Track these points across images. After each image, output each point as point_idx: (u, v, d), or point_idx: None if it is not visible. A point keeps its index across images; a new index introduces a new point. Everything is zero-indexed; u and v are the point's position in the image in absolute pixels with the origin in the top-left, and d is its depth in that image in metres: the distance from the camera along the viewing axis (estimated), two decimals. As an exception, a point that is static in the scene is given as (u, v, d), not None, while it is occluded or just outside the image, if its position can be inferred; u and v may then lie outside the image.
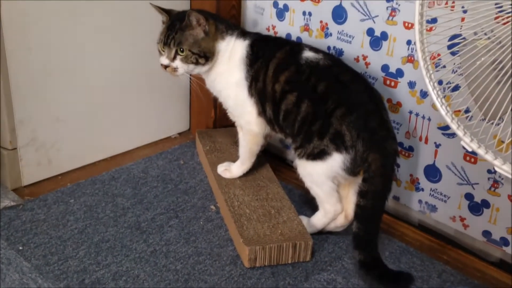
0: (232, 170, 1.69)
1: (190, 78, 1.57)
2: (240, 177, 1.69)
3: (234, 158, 1.79)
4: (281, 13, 1.79)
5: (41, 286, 1.32)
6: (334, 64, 1.48)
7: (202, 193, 1.72)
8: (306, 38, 1.73)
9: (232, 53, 1.53)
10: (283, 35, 1.80)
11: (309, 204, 1.69)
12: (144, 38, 1.81)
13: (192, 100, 2.04)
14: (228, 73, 1.55)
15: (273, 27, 1.83)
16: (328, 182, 1.45)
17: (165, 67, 1.50)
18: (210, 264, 1.43)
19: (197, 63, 1.49)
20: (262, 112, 1.54)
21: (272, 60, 1.50)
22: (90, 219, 1.56)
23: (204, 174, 1.82)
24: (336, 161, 1.40)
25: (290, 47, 1.52)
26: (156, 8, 1.52)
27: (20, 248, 1.43)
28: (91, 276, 1.36)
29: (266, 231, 1.46)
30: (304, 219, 1.56)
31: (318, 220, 1.53)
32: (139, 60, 1.84)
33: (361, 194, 1.38)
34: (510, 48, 0.90)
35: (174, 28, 1.48)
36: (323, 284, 1.39)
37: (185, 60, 1.48)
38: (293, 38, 1.77)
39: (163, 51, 1.50)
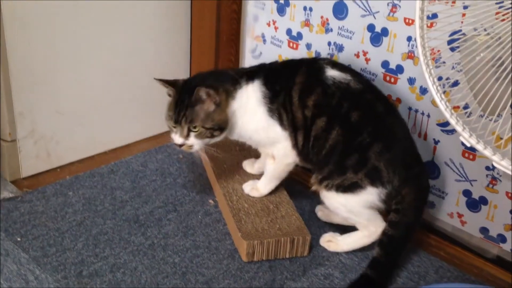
0: (259, 188, 1.59)
1: None
2: (238, 172, 1.70)
3: (233, 152, 1.79)
4: (281, 8, 1.79)
5: (39, 277, 1.32)
6: (365, 89, 1.42)
7: (201, 187, 1.73)
8: (306, 33, 1.73)
9: (247, 101, 1.44)
10: (284, 31, 1.80)
11: (308, 199, 1.70)
12: (144, 32, 1.82)
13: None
14: (251, 120, 1.46)
15: (274, 22, 1.83)
16: (367, 211, 1.42)
17: (180, 145, 1.43)
18: (208, 258, 1.43)
19: (212, 136, 1.42)
20: (295, 145, 1.47)
21: (293, 88, 1.43)
22: (88, 211, 1.57)
23: (203, 169, 1.82)
24: (371, 194, 1.38)
25: (306, 67, 1.45)
26: (160, 82, 1.45)
27: (18, 239, 1.44)
28: (89, 268, 1.36)
29: (264, 225, 1.47)
30: (333, 236, 1.51)
31: (358, 240, 1.48)
32: (139, 53, 1.85)
33: (391, 224, 1.39)
34: (509, 44, 0.90)
35: (184, 104, 1.39)
36: (320, 279, 1.39)
37: (200, 136, 1.40)
38: (294, 33, 1.77)
39: (175, 129, 1.42)
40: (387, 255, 1.39)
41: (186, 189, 1.71)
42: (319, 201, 1.67)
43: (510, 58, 0.90)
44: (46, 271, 1.34)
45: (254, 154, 1.68)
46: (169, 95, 1.46)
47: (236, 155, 1.78)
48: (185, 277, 1.36)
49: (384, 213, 1.44)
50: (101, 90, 1.80)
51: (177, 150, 1.90)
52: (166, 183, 1.73)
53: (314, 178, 1.45)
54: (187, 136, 1.41)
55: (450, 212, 1.54)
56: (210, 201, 1.66)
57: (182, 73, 2.00)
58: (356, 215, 1.43)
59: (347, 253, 1.48)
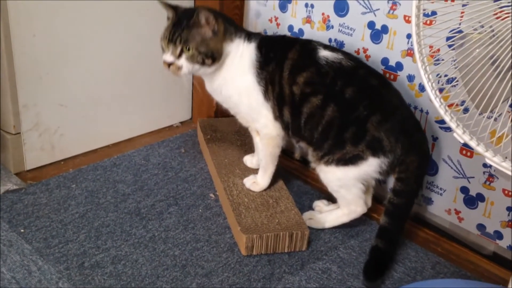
0: (259, 182, 1.61)
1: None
2: (239, 166, 1.71)
3: (234, 147, 1.81)
4: (283, 5, 1.80)
5: (42, 268, 1.34)
6: (358, 66, 1.45)
7: (202, 181, 1.74)
8: (308, 30, 1.75)
9: (242, 56, 1.47)
10: (285, 27, 1.82)
11: (307, 195, 1.71)
12: (148, 27, 1.83)
13: (194, 90, 2.06)
14: (239, 78, 1.48)
15: (276, 19, 1.84)
16: (359, 185, 1.46)
17: (169, 65, 1.42)
18: (207, 251, 1.45)
19: (203, 63, 1.42)
20: (278, 117, 1.50)
21: (285, 61, 1.45)
22: (91, 204, 1.59)
23: (205, 163, 1.84)
24: (372, 165, 1.41)
25: (300, 46, 1.48)
26: (162, 4, 1.46)
27: (22, 230, 1.46)
28: (91, 259, 1.38)
29: (264, 220, 1.49)
30: (313, 214, 1.57)
31: (337, 218, 1.54)
32: (142, 48, 1.86)
33: (395, 192, 1.42)
34: (503, 41, 0.91)
35: (181, 25, 1.40)
36: (318, 273, 1.41)
37: (191, 59, 1.41)
38: (295, 30, 1.79)
39: (168, 48, 1.42)
40: (394, 222, 1.43)
41: (187, 183, 1.73)
42: (318, 197, 1.70)
43: (510, 55, 0.91)
44: (49, 262, 1.36)
45: (255, 149, 1.70)
46: (168, 19, 1.47)
47: (237, 150, 1.80)
48: (185, 270, 1.38)
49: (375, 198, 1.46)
50: (105, 84, 1.82)
51: (179, 144, 1.93)
52: (168, 177, 1.75)
53: (315, 155, 1.48)
54: (178, 56, 1.41)
55: (448, 208, 1.55)
56: (211, 195, 1.68)
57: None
58: (347, 189, 1.47)
59: (345, 247, 1.50)
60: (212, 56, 1.43)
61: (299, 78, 1.44)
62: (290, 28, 1.80)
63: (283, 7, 1.81)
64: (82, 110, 1.79)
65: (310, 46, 1.48)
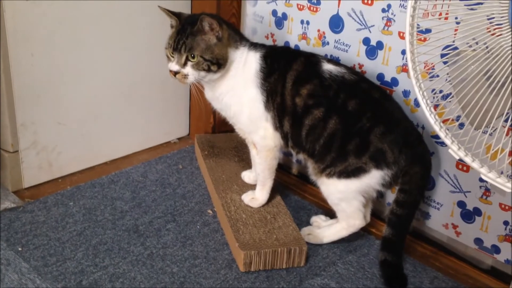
0: (257, 197, 1.60)
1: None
2: (237, 182, 1.72)
3: (232, 163, 1.81)
4: (279, 22, 1.82)
5: (40, 286, 1.34)
6: (360, 80, 1.47)
7: (200, 198, 1.75)
8: (304, 46, 1.76)
9: (245, 65, 1.47)
10: (282, 43, 1.83)
11: (305, 210, 1.72)
12: (145, 45, 1.84)
13: (191, 106, 2.07)
14: (242, 87, 1.48)
15: (272, 35, 1.86)
16: (360, 197, 1.46)
17: (175, 73, 1.42)
18: (205, 268, 1.45)
19: (209, 70, 1.41)
20: (278, 127, 1.50)
21: (289, 72, 1.46)
22: (88, 221, 1.59)
23: (202, 179, 1.84)
24: (375, 177, 1.42)
25: (305, 58, 1.49)
26: (165, 11, 1.45)
27: (20, 249, 1.46)
28: (89, 277, 1.38)
29: (262, 236, 1.49)
30: (311, 229, 1.56)
31: (337, 232, 1.54)
32: (140, 65, 1.87)
33: (398, 203, 1.43)
34: (498, 57, 0.93)
35: (185, 33, 1.40)
36: (317, 289, 1.41)
37: (197, 66, 1.40)
38: (291, 46, 1.80)
39: (173, 56, 1.42)
40: (398, 233, 1.44)
41: (185, 200, 1.73)
42: (316, 212, 1.70)
43: (509, 70, 0.92)
44: (47, 280, 1.36)
45: (252, 164, 1.70)
46: (172, 27, 1.47)
47: (234, 166, 1.81)
48: (183, 286, 1.37)
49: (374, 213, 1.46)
50: (101, 102, 1.83)
51: (176, 160, 1.93)
52: (166, 194, 1.75)
53: (316, 168, 1.47)
54: (184, 65, 1.41)
55: (445, 223, 1.55)
56: (209, 211, 1.68)
57: (184, 87, 2.03)
58: (348, 202, 1.47)
59: (343, 263, 1.50)
60: (218, 63, 1.42)
61: (302, 90, 1.44)
62: (286, 44, 1.82)
63: (279, 24, 1.83)
64: (79, 128, 1.79)
65: (314, 59, 1.49)
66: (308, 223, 1.64)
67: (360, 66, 1.63)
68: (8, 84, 1.59)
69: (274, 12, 1.82)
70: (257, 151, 1.55)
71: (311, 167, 1.50)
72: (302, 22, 1.75)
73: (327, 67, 1.46)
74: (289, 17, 1.78)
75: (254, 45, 1.51)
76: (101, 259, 1.45)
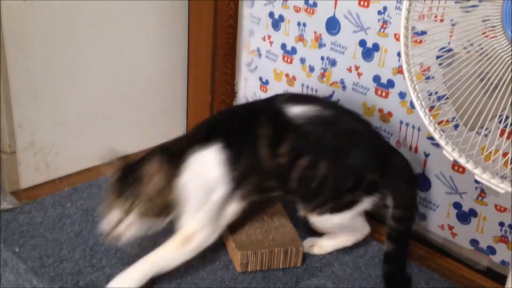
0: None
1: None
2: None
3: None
4: (276, 23, 1.83)
5: (36, 287, 1.34)
6: (337, 114, 1.41)
7: (197, 199, 1.75)
8: (300, 48, 1.77)
9: (201, 174, 1.32)
10: (279, 45, 1.84)
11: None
12: (142, 45, 1.85)
13: (188, 107, 2.08)
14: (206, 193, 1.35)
15: (269, 37, 1.86)
16: (357, 218, 1.46)
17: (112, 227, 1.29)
18: (202, 268, 1.45)
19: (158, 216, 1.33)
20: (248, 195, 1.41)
21: (257, 141, 1.34)
22: (86, 222, 1.59)
23: (199, 180, 1.84)
24: (367, 202, 1.42)
25: (266, 114, 1.37)
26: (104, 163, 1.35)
27: (17, 250, 1.46)
28: (86, 278, 1.38)
29: (258, 236, 1.49)
30: (313, 241, 1.54)
31: (341, 242, 1.53)
32: (136, 66, 1.88)
33: (395, 219, 1.40)
34: (492, 58, 0.93)
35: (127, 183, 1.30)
36: (313, 289, 1.42)
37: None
38: (288, 48, 1.81)
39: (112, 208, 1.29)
40: (399, 247, 1.42)
41: (182, 201, 1.73)
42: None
43: (496, 73, 0.93)
44: (44, 281, 1.36)
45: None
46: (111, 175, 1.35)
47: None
48: (179, 287, 1.38)
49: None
50: (99, 102, 1.83)
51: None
52: (163, 195, 1.75)
53: (306, 207, 1.44)
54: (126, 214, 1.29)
55: (441, 224, 1.56)
56: (206, 212, 1.68)
57: (180, 84, 2.04)
58: (349, 226, 1.47)
59: (339, 264, 1.51)
60: (166, 208, 1.33)
61: (281, 150, 1.35)
62: (283, 46, 1.82)
63: (276, 26, 1.83)
64: (77, 128, 1.80)
65: (276, 109, 1.36)
66: (304, 224, 1.64)
67: (357, 67, 1.63)
68: (5, 84, 1.59)
69: (271, 14, 1.83)
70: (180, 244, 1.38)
71: (300, 206, 1.47)
72: (299, 24, 1.75)
73: (294, 111, 1.34)
74: (286, 19, 1.79)
75: (206, 139, 1.33)
76: (98, 260, 1.45)
